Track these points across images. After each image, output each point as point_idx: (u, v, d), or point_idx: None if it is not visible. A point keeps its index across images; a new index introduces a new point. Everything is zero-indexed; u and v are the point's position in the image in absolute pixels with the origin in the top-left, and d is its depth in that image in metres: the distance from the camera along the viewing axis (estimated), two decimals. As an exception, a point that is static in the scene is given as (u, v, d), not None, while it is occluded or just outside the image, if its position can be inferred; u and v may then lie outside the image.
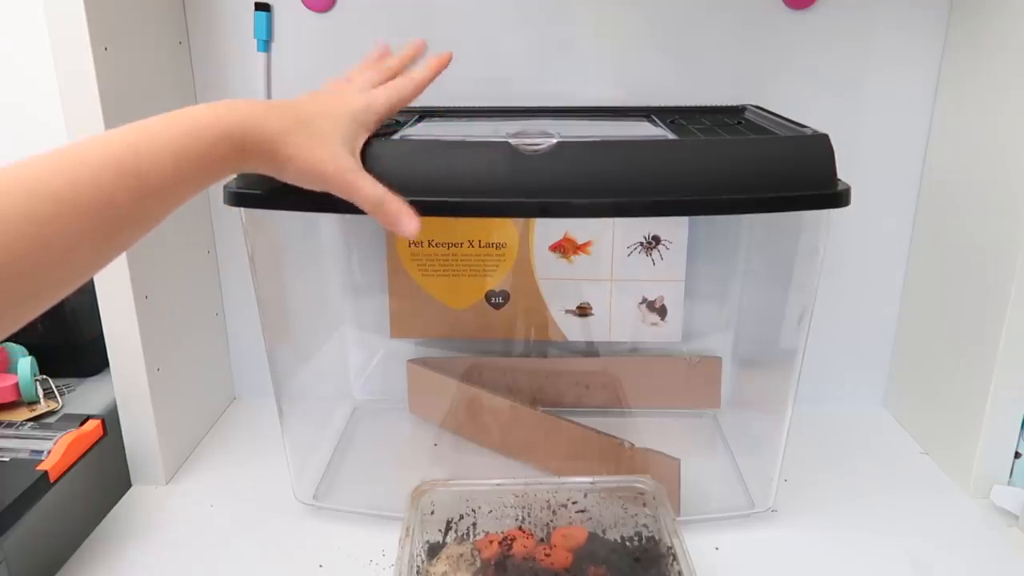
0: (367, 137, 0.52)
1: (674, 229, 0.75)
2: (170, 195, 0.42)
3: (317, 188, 0.49)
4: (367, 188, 0.49)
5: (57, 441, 0.62)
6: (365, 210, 0.49)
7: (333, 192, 0.49)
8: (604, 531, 0.60)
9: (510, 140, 0.51)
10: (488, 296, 0.78)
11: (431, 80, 0.57)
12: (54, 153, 0.37)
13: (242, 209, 0.55)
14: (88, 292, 0.64)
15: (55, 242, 0.36)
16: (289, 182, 0.49)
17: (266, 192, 0.51)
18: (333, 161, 0.48)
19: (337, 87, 0.55)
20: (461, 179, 0.50)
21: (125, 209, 0.39)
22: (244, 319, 0.83)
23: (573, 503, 0.61)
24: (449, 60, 0.58)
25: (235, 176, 0.53)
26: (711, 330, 0.80)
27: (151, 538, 0.64)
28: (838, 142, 0.52)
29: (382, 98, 0.54)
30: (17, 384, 0.71)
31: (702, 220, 0.76)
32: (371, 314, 0.80)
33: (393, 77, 0.56)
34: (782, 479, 0.67)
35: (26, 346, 0.74)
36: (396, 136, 0.57)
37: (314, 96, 0.52)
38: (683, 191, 0.51)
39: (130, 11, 0.64)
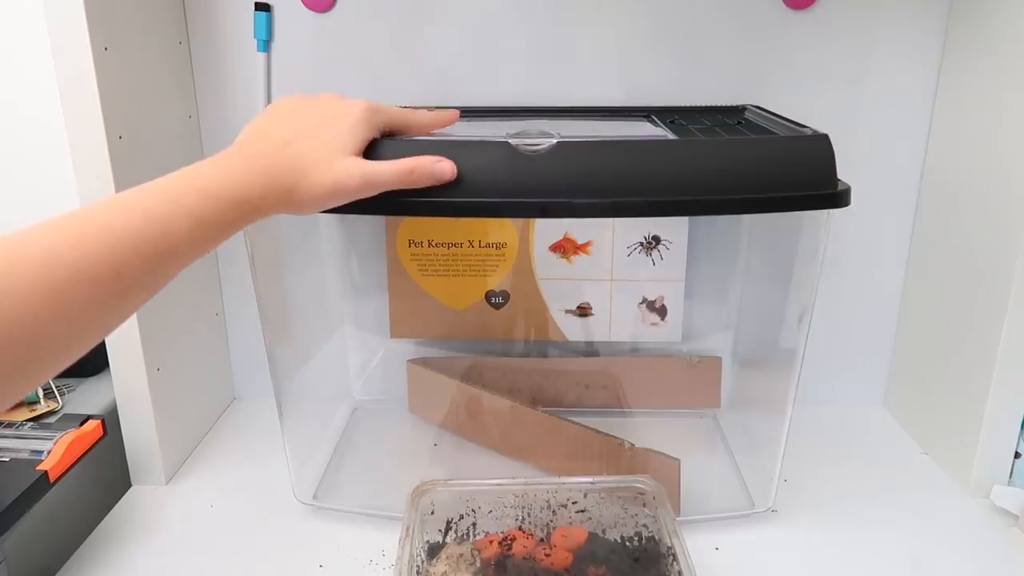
0: (372, 138, 0.51)
1: (674, 229, 0.75)
2: (184, 258, 0.42)
3: (343, 203, 0.48)
4: (388, 172, 0.48)
5: (57, 441, 0.62)
6: (400, 188, 0.49)
7: (358, 198, 0.48)
8: (604, 531, 0.60)
9: (510, 140, 0.51)
10: (488, 296, 0.78)
11: (436, 124, 0.57)
12: (70, 219, 0.38)
13: (242, 209, 0.55)
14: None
15: (70, 310, 0.36)
16: (310, 214, 0.48)
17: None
18: (347, 176, 0.47)
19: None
20: (461, 179, 0.50)
21: (139, 276, 0.39)
22: (244, 319, 0.83)
23: (573, 503, 0.61)
24: (455, 119, 0.58)
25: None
26: (711, 330, 0.80)
27: (151, 538, 0.64)
28: (838, 142, 0.52)
29: (387, 116, 0.53)
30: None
31: (702, 220, 0.76)
32: (371, 314, 0.80)
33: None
34: (782, 479, 0.67)
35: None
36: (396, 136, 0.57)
37: (313, 105, 0.51)
38: (683, 191, 0.51)
39: (130, 11, 0.64)
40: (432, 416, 0.80)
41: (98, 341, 0.40)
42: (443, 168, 0.49)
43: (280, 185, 0.46)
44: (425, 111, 0.57)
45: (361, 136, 0.50)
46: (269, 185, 0.45)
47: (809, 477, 0.71)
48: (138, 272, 0.39)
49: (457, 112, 0.58)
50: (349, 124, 0.49)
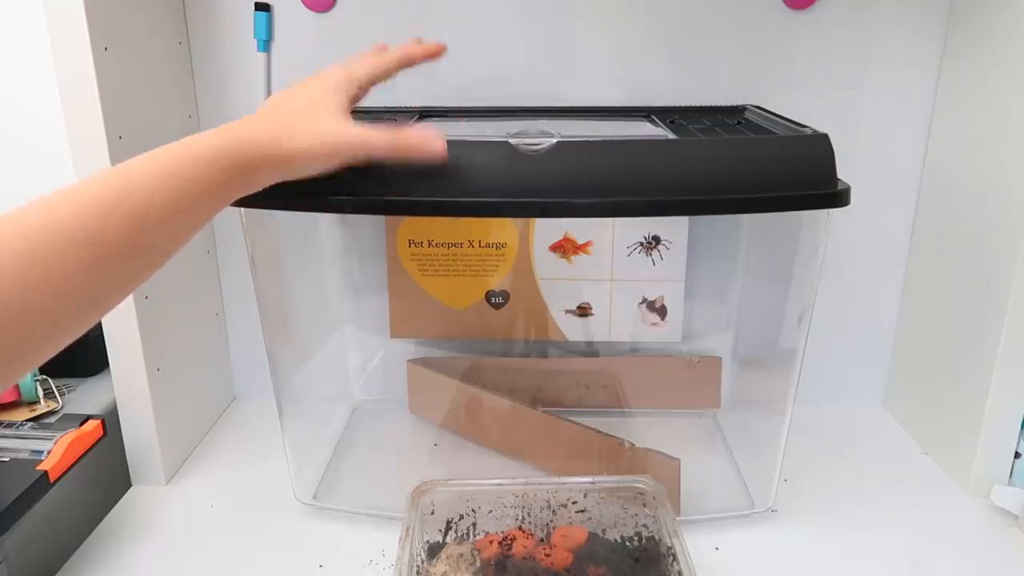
0: (351, 107, 0.51)
1: (674, 229, 0.75)
2: (173, 224, 0.42)
3: (332, 167, 0.48)
4: (375, 138, 0.49)
5: (57, 441, 0.62)
6: (389, 158, 0.49)
7: (348, 163, 0.48)
8: (604, 531, 0.60)
9: (510, 140, 0.51)
10: (488, 296, 0.78)
11: (413, 61, 0.56)
12: (62, 195, 0.38)
13: (242, 209, 0.55)
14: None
15: (57, 280, 0.36)
16: (304, 176, 0.48)
17: (266, 192, 0.51)
18: (336, 133, 0.48)
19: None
20: (461, 179, 0.50)
21: (122, 240, 0.39)
22: (244, 319, 0.83)
23: (573, 503, 0.61)
24: (440, 52, 0.57)
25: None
26: (711, 330, 0.80)
27: (151, 538, 0.64)
28: (838, 142, 0.52)
29: (360, 69, 0.53)
30: (17, 384, 0.71)
31: (702, 220, 0.76)
32: (371, 314, 0.80)
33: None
34: (782, 479, 0.67)
35: (26, 346, 0.74)
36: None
37: (297, 85, 0.52)
38: (683, 191, 0.51)
39: (130, 11, 0.64)
40: (432, 416, 0.80)
41: (99, 315, 0.40)
42: (433, 142, 0.49)
43: (270, 136, 0.46)
44: (401, 48, 0.56)
45: (345, 94, 0.50)
46: (259, 141, 0.46)
47: (809, 477, 0.71)
48: (121, 235, 0.39)
49: (442, 46, 0.57)
50: (332, 85, 0.50)
